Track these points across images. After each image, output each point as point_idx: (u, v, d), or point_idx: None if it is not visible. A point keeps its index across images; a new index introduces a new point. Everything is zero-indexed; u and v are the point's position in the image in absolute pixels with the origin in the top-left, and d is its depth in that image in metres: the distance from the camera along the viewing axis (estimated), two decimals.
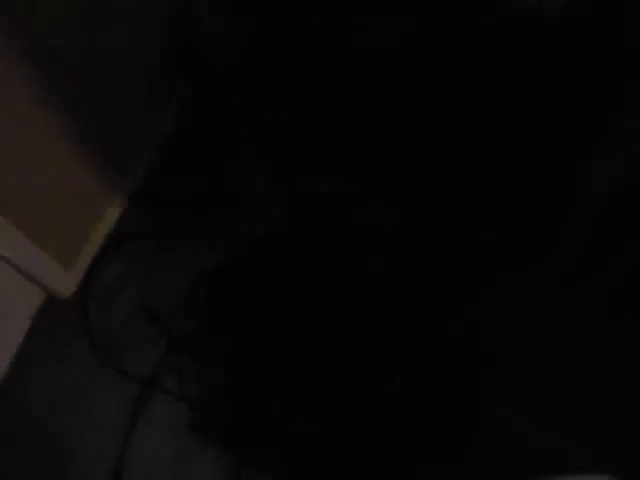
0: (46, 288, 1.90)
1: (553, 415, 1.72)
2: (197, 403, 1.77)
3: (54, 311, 1.95)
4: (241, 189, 2.11)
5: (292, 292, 1.90)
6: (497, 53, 1.78)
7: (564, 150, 1.82)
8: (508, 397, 1.74)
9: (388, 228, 1.96)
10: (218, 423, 1.77)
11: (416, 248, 1.92)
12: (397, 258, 1.94)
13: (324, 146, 2.15)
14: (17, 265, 1.74)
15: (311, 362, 1.78)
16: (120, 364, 1.84)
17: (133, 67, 1.96)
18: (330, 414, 1.73)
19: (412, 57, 1.86)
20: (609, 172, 1.71)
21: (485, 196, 1.94)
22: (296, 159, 2.10)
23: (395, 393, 1.71)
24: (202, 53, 2.09)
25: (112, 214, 2.08)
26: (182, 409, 1.78)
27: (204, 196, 2.12)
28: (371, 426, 1.71)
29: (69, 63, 1.69)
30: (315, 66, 2.02)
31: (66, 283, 1.94)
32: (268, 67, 2.08)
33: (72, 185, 1.87)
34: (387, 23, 1.84)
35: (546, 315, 1.84)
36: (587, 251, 1.86)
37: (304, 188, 2.05)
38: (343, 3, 1.89)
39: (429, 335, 1.81)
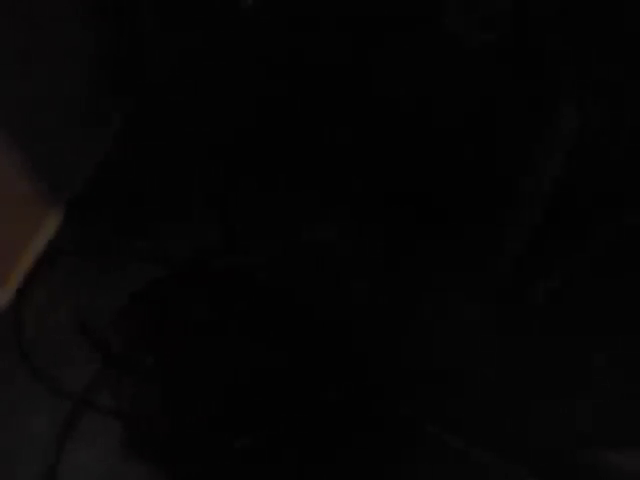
0: None
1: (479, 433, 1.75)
2: (132, 419, 1.74)
3: None
4: (180, 206, 2.12)
5: (226, 306, 1.90)
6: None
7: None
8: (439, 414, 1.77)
9: (325, 244, 1.99)
10: (153, 439, 1.74)
11: (350, 263, 1.96)
12: (332, 274, 1.96)
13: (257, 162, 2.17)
14: None
15: (245, 377, 1.78)
16: (52, 380, 1.80)
17: (70, 80, 1.96)
18: (268, 428, 1.73)
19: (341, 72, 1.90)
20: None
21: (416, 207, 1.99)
22: (231, 177, 2.12)
23: (330, 405, 1.72)
24: (142, 69, 2.10)
25: (47, 229, 2.04)
26: (115, 426, 1.74)
27: (142, 213, 2.11)
28: (309, 440, 1.71)
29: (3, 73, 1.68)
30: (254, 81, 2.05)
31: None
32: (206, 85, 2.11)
33: (5, 198, 1.84)
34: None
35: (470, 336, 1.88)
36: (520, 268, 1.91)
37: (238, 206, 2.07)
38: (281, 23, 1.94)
39: (363, 349, 1.83)
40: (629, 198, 1.71)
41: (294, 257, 1.98)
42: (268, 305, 1.89)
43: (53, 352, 1.85)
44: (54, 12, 1.82)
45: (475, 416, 1.73)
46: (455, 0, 1.61)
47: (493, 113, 1.77)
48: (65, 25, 1.91)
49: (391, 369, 1.82)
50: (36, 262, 2.01)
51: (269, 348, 1.79)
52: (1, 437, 1.73)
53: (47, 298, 1.95)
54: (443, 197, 1.94)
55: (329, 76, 1.91)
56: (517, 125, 1.76)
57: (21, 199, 1.89)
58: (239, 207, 2.09)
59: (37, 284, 1.97)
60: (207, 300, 1.90)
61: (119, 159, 2.21)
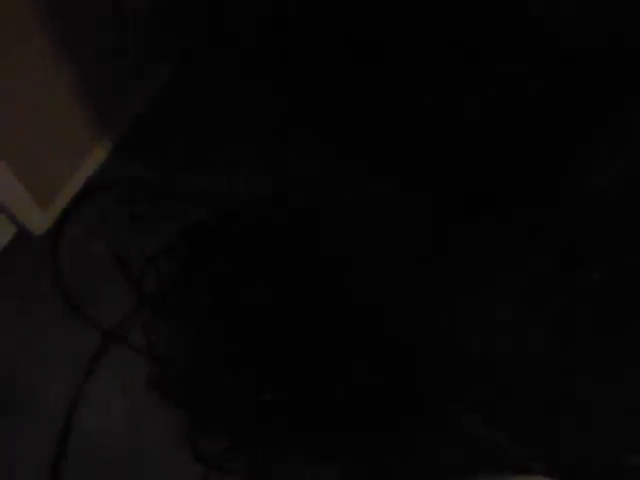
0: (19, 223, 1.84)
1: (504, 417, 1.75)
2: (159, 360, 1.74)
3: (23, 247, 1.89)
4: (228, 157, 2.09)
5: (267, 262, 1.88)
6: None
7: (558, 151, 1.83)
8: (462, 397, 1.76)
9: (373, 214, 1.97)
10: (177, 382, 1.74)
11: (395, 236, 1.93)
12: (377, 246, 1.94)
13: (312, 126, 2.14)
14: None
15: (278, 333, 1.77)
16: (86, 310, 1.80)
17: (135, 16, 1.91)
18: (295, 385, 1.73)
19: None
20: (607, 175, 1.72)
21: (469, 189, 1.95)
22: (283, 142, 2.10)
23: (362, 374, 1.72)
24: (219, 19, 2.06)
25: (95, 160, 2.03)
26: (142, 365, 1.75)
27: (189, 156, 2.08)
28: (333, 403, 1.71)
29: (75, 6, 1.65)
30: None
31: (40, 221, 1.88)
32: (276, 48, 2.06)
33: (60, 124, 1.81)
34: None
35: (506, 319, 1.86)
36: (564, 260, 1.88)
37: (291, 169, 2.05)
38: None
39: (397, 325, 1.82)
40: None
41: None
42: (308, 265, 1.87)
43: (89, 283, 1.85)
44: None
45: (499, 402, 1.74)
46: None
47: (567, 103, 1.72)
48: None
49: (419, 346, 1.81)
50: (78, 193, 1.99)
51: (304, 312, 1.79)
52: (31, 360, 1.74)
53: (86, 230, 1.95)
54: (500, 177, 1.91)
55: None
56: (590, 117, 1.72)
57: (74, 127, 1.87)
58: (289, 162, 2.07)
59: (77, 214, 1.96)
60: (247, 251, 1.89)
61: (170, 102, 2.18)
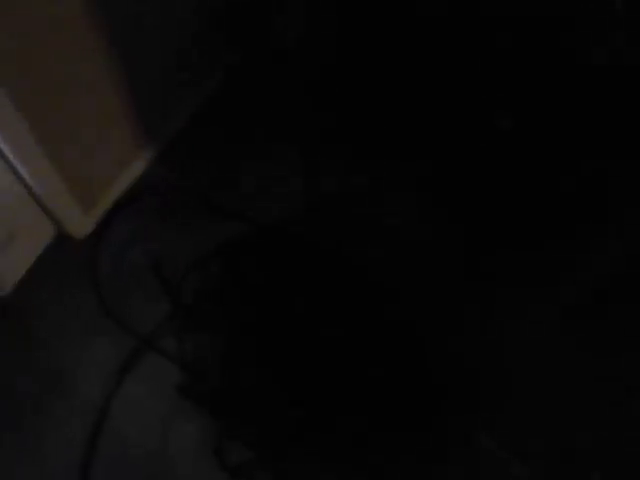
0: (60, 226, 1.88)
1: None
2: (191, 368, 1.75)
3: (62, 251, 1.93)
4: (270, 170, 2.11)
5: (301, 278, 1.90)
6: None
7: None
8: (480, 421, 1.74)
9: (407, 235, 1.97)
10: (208, 391, 1.75)
11: (430, 257, 1.93)
12: (410, 264, 1.94)
13: (356, 144, 2.16)
14: (39, 195, 1.72)
15: (308, 347, 1.78)
16: (122, 315, 1.82)
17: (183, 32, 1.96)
18: (320, 400, 1.73)
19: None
20: None
21: (508, 216, 1.96)
22: (327, 154, 2.12)
23: (381, 383, 1.72)
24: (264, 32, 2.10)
25: (137, 169, 2.06)
26: (174, 372, 1.76)
27: (231, 168, 2.12)
28: (356, 415, 1.71)
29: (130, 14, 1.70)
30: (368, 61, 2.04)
31: (81, 225, 1.92)
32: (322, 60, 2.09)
33: (108, 131, 1.86)
34: None
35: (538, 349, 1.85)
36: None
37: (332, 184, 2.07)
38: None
39: (422, 342, 1.82)
40: None
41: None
42: (343, 284, 1.88)
43: (127, 289, 1.88)
44: None
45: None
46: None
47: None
48: None
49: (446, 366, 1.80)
50: (119, 199, 2.03)
51: (335, 326, 1.79)
52: (70, 358, 1.77)
53: (125, 236, 1.98)
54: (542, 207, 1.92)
55: None
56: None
57: (121, 132, 1.91)
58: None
59: (120, 219, 1.99)
60: (283, 267, 1.90)
61: (216, 112, 2.22)
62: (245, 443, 1.67)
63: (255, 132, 2.18)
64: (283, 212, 2.02)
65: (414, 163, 2.11)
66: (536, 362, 1.81)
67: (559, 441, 1.71)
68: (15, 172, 1.63)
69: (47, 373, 1.74)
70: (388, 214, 2.02)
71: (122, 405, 1.71)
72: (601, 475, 1.63)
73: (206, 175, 2.10)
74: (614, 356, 1.81)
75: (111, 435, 1.67)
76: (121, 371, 1.74)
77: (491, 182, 2.01)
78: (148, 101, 1.96)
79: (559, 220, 1.95)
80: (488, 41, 1.82)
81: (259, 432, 1.69)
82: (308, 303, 1.86)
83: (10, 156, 1.56)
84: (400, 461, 1.66)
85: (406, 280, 1.91)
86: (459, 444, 1.71)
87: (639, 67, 1.65)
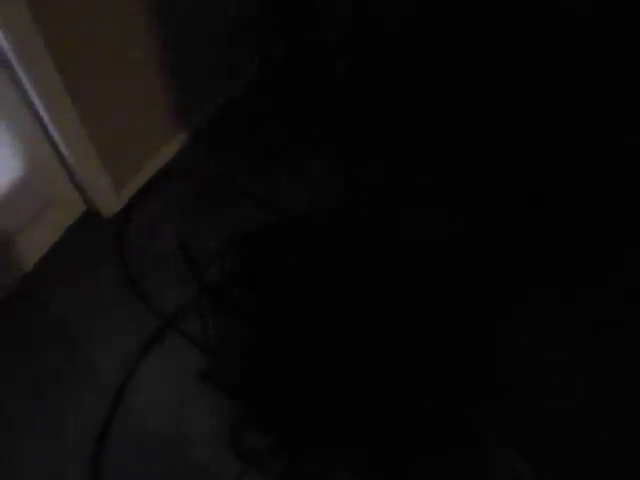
0: (92, 202, 1.89)
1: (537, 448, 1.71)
2: (212, 351, 1.75)
3: (92, 226, 1.94)
4: (302, 161, 2.12)
5: (325, 268, 1.89)
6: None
7: None
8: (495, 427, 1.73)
9: (434, 231, 1.97)
10: (227, 376, 1.75)
11: (456, 257, 1.93)
12: (435, 263, 1.94)
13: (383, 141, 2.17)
14: (73, 168, 1.74)
15: (327, 336, 1.77)
16: (146, 296, 1.83)
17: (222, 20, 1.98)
18: (338, 390, 1.72)
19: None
20: None
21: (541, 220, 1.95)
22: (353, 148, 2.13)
23: (412, 394, 1.71)
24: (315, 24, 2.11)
25: (170, 151, 2.08)
26: (194, 355, 1.76)
27: (264, 158, 2.12)
28: (381, 417, 1.70)
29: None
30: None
31: (112, 203, 1.93)
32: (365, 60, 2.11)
33: (145, 113, 1.87)
34: None
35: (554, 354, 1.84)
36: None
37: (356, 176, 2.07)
38: None
39: (443, 344, 1.81)
40: None
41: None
42: (366, 275, 1.88)
43: (152, 270, 1.88)
44: None
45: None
46: None
47: None
48: None
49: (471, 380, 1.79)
50: (152, 179, 2.04)
51: (356, 317, 1.79)
52: (93, 335, 1.77)
53: (153, 217, 1.98)
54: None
55: None
56: None
57: (153, 119, 1.93)
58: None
59: (149, 201, 2.00)
60: (309, 257, 1.90)
61: (252, 100, 2.24)
62: (261, 430, 1.67)
63: (290, 123, 2.19)
64: (312, 203, 2.03)
65: (444, 164, 2.12)
66: (549, 371, 1.81)
67: (565, 445, 1.70)
68: (54, 145, 1.65)
69: (66, 345, 1.75)
70: (419, 212, 2.02)
71: (140, 384, 1.70)
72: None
73: (238, 162, 2.11)
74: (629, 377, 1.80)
75: (128, 413, 1.66)
76: (142, 349, 1.74)
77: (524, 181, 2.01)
78: (188, 86, 1.98)
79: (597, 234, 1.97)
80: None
81: (276, 420, 1.69)
82: (331, 293, 1.86)
83: (52, 129, 1.58)
84: (413, 454, 1.65)
85: (429, 277, 1.91)
86: (473, 444, 1.70)
87: None
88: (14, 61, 1.36)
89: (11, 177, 1.64)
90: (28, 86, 1.43)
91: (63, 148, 1.65)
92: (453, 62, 1.95)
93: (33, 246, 1.84)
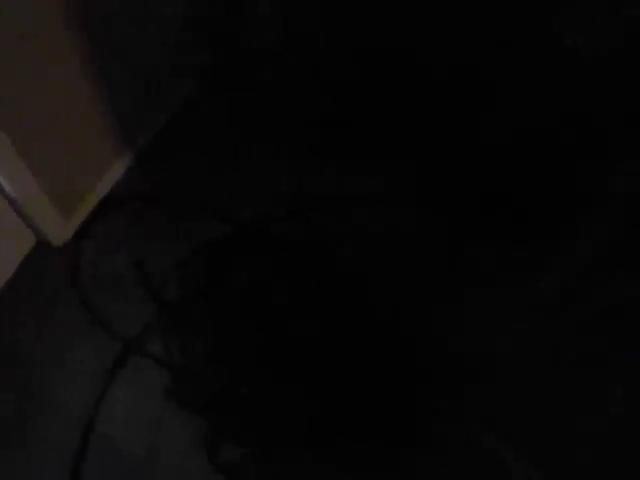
0: (40, 234, 1.88)
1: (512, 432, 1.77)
2: (178, 369, 1.77)
3: (44, 258, 1.93)
4: (249, 169, 2.14)
5: (286, 273, 1.93)
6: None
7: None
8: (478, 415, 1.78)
9: (390, 228, 2.02)
10: (195, 392, 1.77)
11: (415, 246, 1.97)
12: (394, 255, 1.98)
13: (332, 142, 2.21)
14: (17, 203, 1.72)
15: (293, 343, 1.81)
16: (106, 321, 1.83)
17: (158, 33, 1.98)
18: (310, 396, 1.75)
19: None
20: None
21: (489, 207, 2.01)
22: (304, 154, 2.16)
23: (380, 389, 1.75)
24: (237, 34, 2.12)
25: (116, 174, 2.07)
26: (161, 373, 1.77)
27: (210, 168, 2.14)
28: (350, 416, 1.73)
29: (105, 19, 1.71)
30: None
31: (62, 232, 1.92)
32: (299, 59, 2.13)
33: (84, 137, 1.86)
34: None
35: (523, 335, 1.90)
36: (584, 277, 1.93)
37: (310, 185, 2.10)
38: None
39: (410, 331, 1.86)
40: None
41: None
42: (327, 278, 1.91)
43: (109, 294, 1.88)
44: None
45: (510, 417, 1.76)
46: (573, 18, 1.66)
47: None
48: None
49: (437, 362, 1.84)
50: (101, 203, 2.04)
51: (321, 320, 1.82)
52: (53, 369, 1.77)
53: (105, 241, 1.98)
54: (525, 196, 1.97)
55: None
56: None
57: (94, 143, 1.92)
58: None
59: (99, 225, 2.00)
60: (265, 264, 1.93)
61: (193, 115, 2.24)
62: (236, 441, 1.69)
63: (235, 133, 2.21)
64: (264, 212, 2.06)
65: (394, 162, 2.16)
66: (520, 351, 1.86)
67: (549, 428, 1.76)
68: None
69: (30, 387, 1.74)
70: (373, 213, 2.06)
71: (109, 410, 1.71)
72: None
73: (185, 178, 2.12)
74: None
75: (100, 441, 1.67)
76: (107, 376, 1.74)
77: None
78: (123, 107, 1.97)
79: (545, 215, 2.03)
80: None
81: (250, 430, 1.71)
82: (292, 300, 1.89)
83: None
84: (392, 452, 1.70)
85: (391, 271, 1.95)
86: (454, 434, 1.75)
87: None
88: None
89: None
90: None
91: (4, 183, 1.64)
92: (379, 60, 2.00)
93: None
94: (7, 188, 1.65)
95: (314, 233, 1.99)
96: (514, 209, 2.00)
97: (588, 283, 1.91)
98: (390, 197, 2.07)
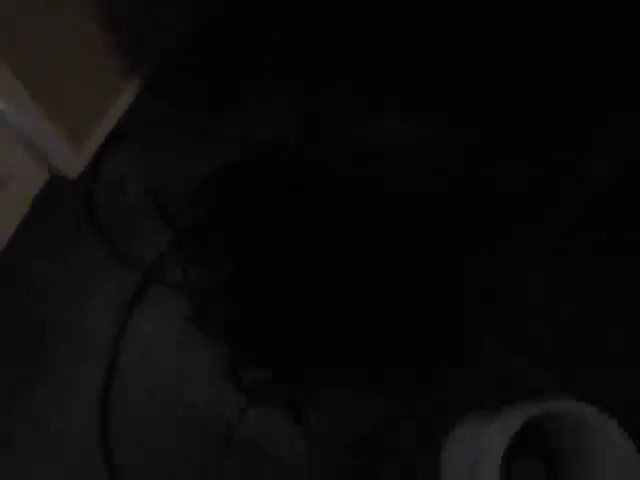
0: (53, 166, 1.86)
1: (537, 352, 1.74)
2: (197, 295, 1.77)
3: (58, 191, 1.91)
4: (258, 94, 2.07)
5: (298, 200, 1.89)
6: None
7: None
8: (493, 333, 1.75)
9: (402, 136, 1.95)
10: (217, 317, 1.77)
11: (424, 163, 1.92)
12: (411, 185, 1.93)
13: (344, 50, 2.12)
14: (28, 137, 1.70)
15: (310, 269, 1.78)
16: (123, 250, 1.83)
17: None
18: (328, 321, 1.74)
19: None
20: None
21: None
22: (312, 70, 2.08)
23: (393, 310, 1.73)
24: None
25: (126, 99, 2.02)
26: (181, 301, 1.78)
27: (220, 94, 2.08)
28: (370, 337, 1.72)
29: None
30: None
31: (74, 163, 1.90)
32: None
33: (91, 64, 1.81)
34: None
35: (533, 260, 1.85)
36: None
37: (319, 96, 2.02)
38: None
39: (427, 257, 1.82)
40: None
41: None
42: (341, 201, 1.87)
43: (125, 223, 1.87)
44: None
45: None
46: None
47: None
48: None
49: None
50: (112, 132, 2.00)
51: (337, 246, 1.79)
52: (75, 302, 1.78)
53: (120, 171, 1.96)
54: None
55: None
56: None
57: (103, 66, 1.86)
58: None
59: (111, 154, 1.97)
60: (281, 192, 1.89)
61: (204, 35, 2.17)
62: (258, 365, 1.70)
63: (243, 54, 2.13)
64: (279, 133, 2.00)
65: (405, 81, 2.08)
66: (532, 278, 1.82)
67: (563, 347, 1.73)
68: (2, 116, 1.61)
69: (55, 319, 1.75)
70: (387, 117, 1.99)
71: (132, 341, 1.72)
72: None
73: (195, 101, 2.06)
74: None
75: (125, 370, 1.70)
76: (128, 307, 1.75)
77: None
78: (130, 31, 1.90)
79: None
80: None
81: (270, 354, 1.72)
82: (308, 224, 1.85)
83: None
84: (411, 367, 1.69)
85: (407, 194, 1.90)
86: (471, 347, 1.73)
87: None
88: None
89: None
90: None
91: (11, 117, 1.61)
92: None
93: (2, 222, 1.82)
94: (15, 120, 1.63)
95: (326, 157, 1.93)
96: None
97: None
98: (408, 102, 1.99)
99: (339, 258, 1.78)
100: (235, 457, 1.61)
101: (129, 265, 1.81)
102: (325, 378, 1.69)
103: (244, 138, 1.96)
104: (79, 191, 1.92)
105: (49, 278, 1.80)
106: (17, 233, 1.86)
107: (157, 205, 1.86)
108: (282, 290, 1.77)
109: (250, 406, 1.66)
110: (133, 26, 1.89)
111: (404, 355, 1.70)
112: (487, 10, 1.96)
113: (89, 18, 1.71)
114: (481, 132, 1.95)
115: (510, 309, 1.76)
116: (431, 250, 1.84)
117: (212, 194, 1.87)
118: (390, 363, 1.71)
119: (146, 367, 1.70)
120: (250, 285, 1.78)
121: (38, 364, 1.70)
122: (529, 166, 1.93)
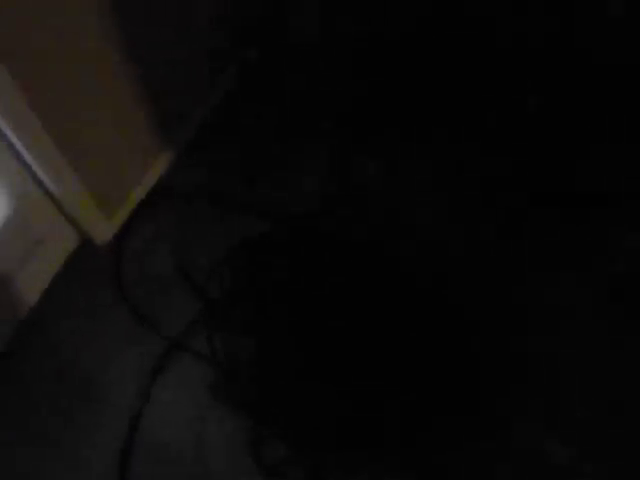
0: (83, 232, 1.89)
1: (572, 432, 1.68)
2: (223, 366, 1.74)
3: (87, 257, 1.93)
4: (291, 166, 2.12)
5: (326, 270, 1.89)
6: None
7: None
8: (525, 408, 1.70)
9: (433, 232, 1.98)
10: (240, 389, 1.74)
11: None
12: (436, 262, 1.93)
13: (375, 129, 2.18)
14: (61, 202, 1.73)
15: (339, 341, 1.76)
16: (151, 320, 1.82)
17: (201, 25, 1.97)
18: (355, 396, 1.71)
19: None
20: None
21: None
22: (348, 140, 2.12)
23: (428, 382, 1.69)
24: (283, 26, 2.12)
25: (159, 170, 2.07)
26: (205, 372, 1.75)
27: (254, 165, 2.12)
28: (396, 414, 1.68)
29: (144, 14, 1.71)
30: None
31: (104, 231, 1.92)
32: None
33: (126, 134, 1.86)
34: None
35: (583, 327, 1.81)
36: None
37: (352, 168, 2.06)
38: None
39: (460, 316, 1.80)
40: None
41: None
42: (370, 271, 1.87)
43: (152, 292, 1.87)
44: None
45: None
46: None
47: None
48: None
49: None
50: (143, 202, 2.04)
51: (369, 316, 1.78)
52: (98, 370, 1.76)
53: (149, 238, 1.98)
54: None
55: None
56: None
57: (140, 135, 1.92)
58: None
59: (141, 223, 2.00)
60: (308, 261, 1.89)
61: (233, 109, 2.24)
62: (280, 441, 1.66)
63: (273, 129, 2.19)
64: (305, 206, 2.03)
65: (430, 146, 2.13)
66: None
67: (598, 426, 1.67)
68: (37, 179, 1.65)
69: (77, 385, 1.74)
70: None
71: (155, 408, 1.70)
72: None
73: (229, 172, 2.11)
74: None
75: (146, 439, 1.66)
76: (152, 374, 1.73)
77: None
78: (165, 102, 1.96)
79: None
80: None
81: (293, 430, 1.68)
82: (334, 294, 1.85)
83: (33, 163, 1.57)
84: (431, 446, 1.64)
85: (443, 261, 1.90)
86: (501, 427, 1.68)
87: None
88: None
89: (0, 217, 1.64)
90: (3, 124, 1.43)
91: (48, 183, 1.65)
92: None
93: (33, 284, 1.84)
94: (50, 186, 1.66)
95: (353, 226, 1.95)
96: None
97: None
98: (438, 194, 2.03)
99: (370, 332, 1.76)
100: None
101: (154, 332, 1.80)
102: (344, 457, 1.64)
103: (274, 213, 1.99)
104: (108, 256, 1.94)
105: (75, 342, 1.79)
106: (45, 295, 1.87)
107: (184, 274, 1.87)
108: (310, 364, 1.75)
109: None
110: (167, 97, 1.96)
111: (437, 436, 1.66)
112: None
113: (125, 91, 1.77)
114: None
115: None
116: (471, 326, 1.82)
117: (240, 265, 1.88)
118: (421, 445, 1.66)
119: (166, 438, 1.66)
120: (276, 357, 1.76)
121: (63, 426, 1.68)
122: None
